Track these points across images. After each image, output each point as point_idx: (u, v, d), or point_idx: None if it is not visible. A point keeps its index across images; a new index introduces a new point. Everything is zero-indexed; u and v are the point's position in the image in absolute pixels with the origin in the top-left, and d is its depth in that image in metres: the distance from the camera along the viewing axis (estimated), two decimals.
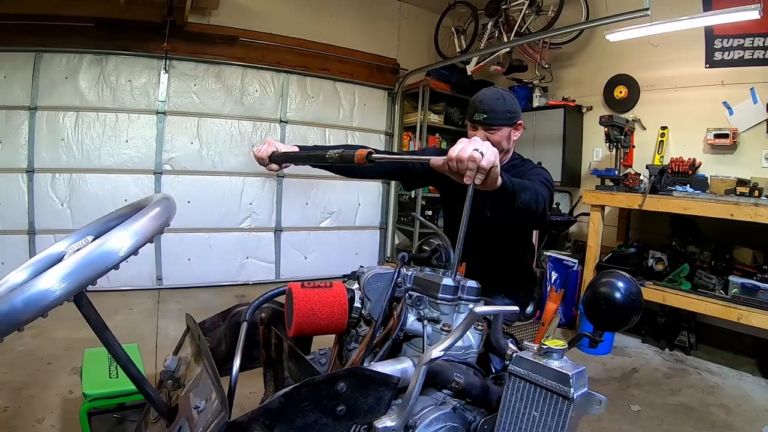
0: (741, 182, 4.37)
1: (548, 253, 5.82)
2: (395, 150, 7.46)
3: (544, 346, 1.21)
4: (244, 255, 6.63)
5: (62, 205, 5.63)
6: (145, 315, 5.17)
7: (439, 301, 1.50)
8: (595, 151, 6.15)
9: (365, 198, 7.53)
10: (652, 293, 4.66)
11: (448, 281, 1.50)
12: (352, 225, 7.46)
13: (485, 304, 1.61)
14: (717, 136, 4.94)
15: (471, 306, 1.48)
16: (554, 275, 5.54)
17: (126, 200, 5.68)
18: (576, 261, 5.46)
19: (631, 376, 4.29)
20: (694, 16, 4.53)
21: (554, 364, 1.19)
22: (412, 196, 7.37)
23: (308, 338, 1.90)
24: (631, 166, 5.51)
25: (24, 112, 5.47)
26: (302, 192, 7.00)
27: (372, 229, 7.71)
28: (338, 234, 7.34)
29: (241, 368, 1.62)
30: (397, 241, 7.78)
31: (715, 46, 5.01)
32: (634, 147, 5.61)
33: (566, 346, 1.22)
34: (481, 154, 1.40)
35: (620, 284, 1.50)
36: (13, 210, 5.45)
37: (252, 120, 6.59)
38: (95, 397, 2.51)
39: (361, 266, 1.68)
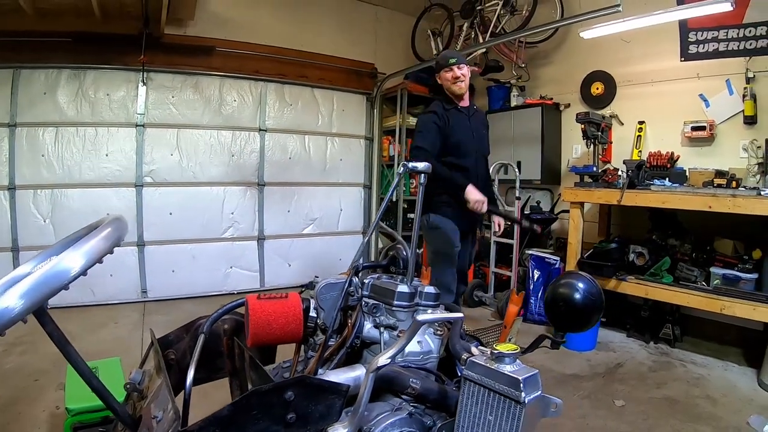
0: (719, 174, 4.32)
1: (530, 252, 5.76)
2: (375, 153, 7.56)
3: (495, 351, 1.15)
4: (228, 264, 6.55)
5: (45, 221, 5.56)
6: (131, 328, 5.08)
7: (394, 308, 1.51)
8: (574, 148, 6.11)
9: (347, 203, 7.47)
10: (634, 287, 4.64)
11: (402, 288, 1.52)
12: (335, 231, 7.39)
13: (447, 309, 1.60)
14: (694, 128, 4.91)
15: (429, 311, 1.48)
16: (537, 273, 5.48)
17: (108, 214, 5.50)
18: (558, 258, 5.40)
19: (615, 371, 4.22)
20: (666, 10, 4.50)
21: (506, 368, 1.15)
22: (394, 199, 7.24)
23: (272, 348, 1.91)
24: (609, 162, 5.49)
25: (4, 129, 5.43)
26: (284, 200, 6.94)
27: (355, 234, 7.63)
28: (321, 240, 7.27)
29: (208, 378, 1.75)
30: (380, 245, 7.68)
31: (689, 39, 4.98)
32: (612, 143, 5.58)
33: (518, 350, 1.17)
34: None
35: (580, 285, 1.46)
36: None
37: (231, 129, 6.54)
38: (78, 411, 2.47)
39: (316, 276, 1.67)
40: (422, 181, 1.67)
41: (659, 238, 4.86)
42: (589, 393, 3.78)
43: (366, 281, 1.60)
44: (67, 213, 5.61)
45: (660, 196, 4.43)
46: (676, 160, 4.96)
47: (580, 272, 1.52)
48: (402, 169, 1.71)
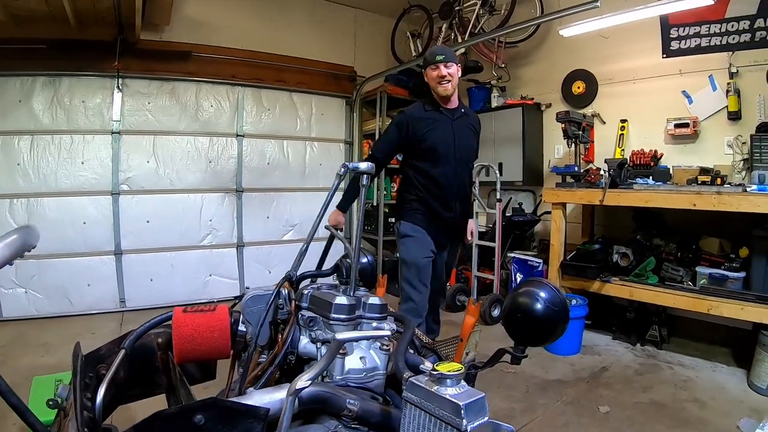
0: (703, 171, 4.23)
1: (513, 255, 5.61)
2: (355, 157, 7.41)
3: (435, 372, 0.96)
4: (207, 272, 6.34)
5: None
6: (108, 338, 4.78)
7: (332, 322, 1.32)
8: (556, 148, 5.96)
9: (328, 209, 7.21)
10: (618, 289, 4.52)
11: (341, 300, 1.35)
12: (316, 236, 7.11)
13: (398, 320, 1.44)
14: (677, 125, 4.79)
15: (374, 325, 1.34)
16: (519, 276, 5.32)
17: (85, 223, 5.63)
18: (541, 261, 5.26)
19: (600, 376, 4.04)
20: (646, 5, 4.38)
21: (447, 391, 0.96)
22: (374, 203, 7.08)
23: (211, 363, 1.72)
24: (592, 162, 5.35)
25: None
26: (263, 206, 6.77)
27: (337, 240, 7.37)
28: (300, 246, 6.99)
29: (145, 395, 1.60)
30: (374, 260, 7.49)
31: (671, 36, 4.85)
32: (594, 142, 5.44)
33: (461, 370, 0.98)
34: None
35: (541, 294, 1.26)
36: None
37: (208, 135, 6.35)
38: None
39: (247, 287, 1.48)
40: (364, 182, 1.49)
41: (644, 238, 4.72)
42: (572, 399, 3.61)
43: (305, 292, 1.43)
44: (43, 222, 5.40)
45: (643, 195, 4.30)
46: (660, 158, 4.83)
47: (542, 280, 1.34)
48: (342, 170, 1.54)
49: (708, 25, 4.59)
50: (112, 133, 5.79)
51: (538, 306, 1.23)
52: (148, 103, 6.00)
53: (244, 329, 1.35)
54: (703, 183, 4.09)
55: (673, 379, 3.98)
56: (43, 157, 5.49)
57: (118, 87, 5.74)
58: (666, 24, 4.85)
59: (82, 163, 5.66)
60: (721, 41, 4.54)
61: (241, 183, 6.57)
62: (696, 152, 4.76)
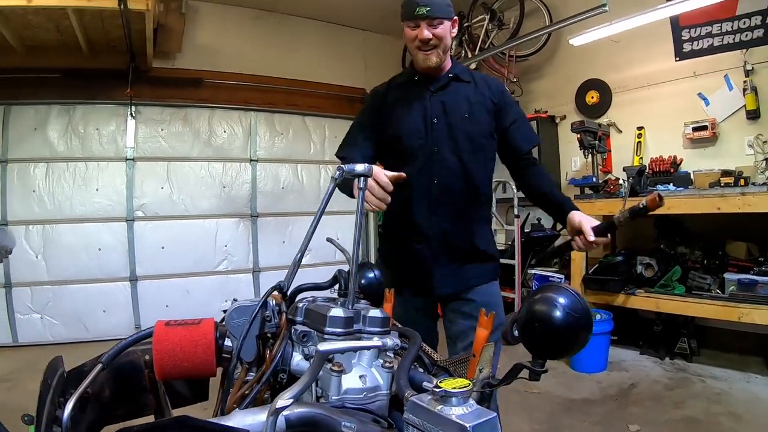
0: (725, 173, 4.00)
1: (533, 271, 5.40)
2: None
3: (438, 389, 0.78)
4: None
5: (37, 257, 5.38)
6: None
7: (326, 336, 1.13)
8: (573, 160, 5.76)
9: (344, 233, 7.03)
10: (644, 301, 4.29)
11: (336, 312, 1.14)
12: (332, 260, 6.89)
13: (403, 336, 1.26)
14: (695, 129, 4.59)
15: (373, 340, 1.10)
16: None
17: (100, 249, 5.58)
18: (562, 276, 5.06)
19: (629, 393, 3.80)
20: (655, 8, 4.27)
21: (453, 411, 0.77)
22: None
23: (202, 382, 1.56)
24: (610, 172, 5.16)
25: None
26: (278, 231, 6.63)
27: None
28: (318, 270, 6.72)
29: (133, 415, 1.41)
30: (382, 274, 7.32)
31: (683, 38, 4.68)
32: (611, 152, 5.26)
33: (469, 386, 0.79)
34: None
35: (560, 300, 1.06)
36: None
37: (222, 161, 6.29)
38: None
39: (234, 299, 1.31)
40: (361, 185, 1.29)
41: (667, 247, 4.52)
42: (600, 419, 3.38)
43: (300, 305, 1.27)
44: (59, 249, 5.44)
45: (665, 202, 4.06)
46: (680, 163, 4.62)
47: (561, 285, 1.14)
48: (338, 173, 1.33)
49: (719, 24, 4.43)
50: (126, 159, 5.77)
51: (557, 313, 1.04)
52: (162, 129, 5.97)
53: (231, 344, 1.19)
54: (726, 185, 3.88)
55: (706, 392, 3.73)
56: (59, 184, 5.49)
57: (131, 114, 5.73)
58: (677, 26, 4.70)
59: (97, 190, 5.65)
60: (734, 39, 4.37)
61: (255, 208, 6.47)
62: (716, 155, 4.56)
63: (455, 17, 2.19)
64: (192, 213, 6.07)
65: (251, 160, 6.45)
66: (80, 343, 5.27)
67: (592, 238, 1.96)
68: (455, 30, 2.22)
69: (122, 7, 4.26)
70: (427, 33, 2.08)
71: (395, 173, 1.69)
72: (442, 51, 2.14)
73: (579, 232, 2.00)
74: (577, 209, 2.10)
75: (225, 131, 6.33)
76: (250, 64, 6.38)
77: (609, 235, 2.00)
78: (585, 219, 2.02)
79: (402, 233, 2.25)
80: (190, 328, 1.16)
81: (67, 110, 5.54)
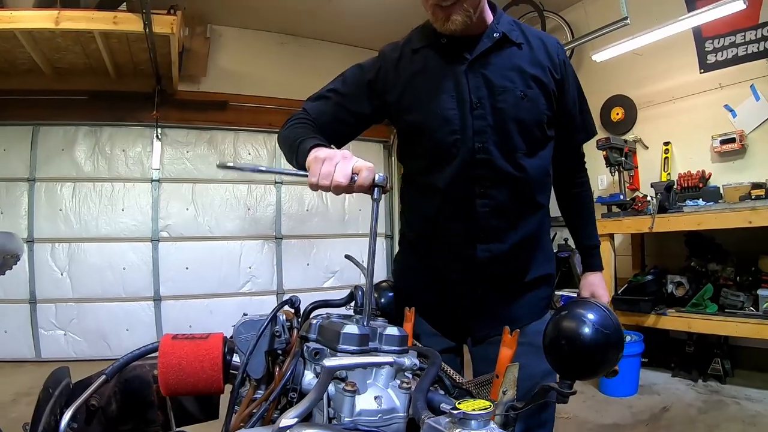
0: (756, 186, 3.86)
1: (560, 293, 5.26)
2: (395, 202, 7.13)
3: (456, 411, 0.69)
4: None
5: (62, 275, 5.44)
6: None
7: (339, 354, 1.05)
8: (599, 179, 5.62)
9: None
10: (675, 321, 4.13)
11: (351, 329, 1.07)
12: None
13: (422, 356, 1.19)
14: (723, 142, 4.44)
15: (389, 359, 1.02)
16: None
17: (124, 268, 5.61)
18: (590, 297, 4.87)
19: (661, 417, 3.63)
20: (677, 19, 4.20)
21: None
22: None
23: (212, 399, 1.51)
24: (638, 189, 5.04)
25: (23, 184, 5.46)
26: (302, 253, 6.57)
27: None
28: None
29: (140, 431, 1.44)
30: None
31: (706, 49, 4.60)
32: (637, 168, 5.13)
33: (490, 407, 0.70)
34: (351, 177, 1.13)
35: (589, 316, 0.98)
36: (14, 279, 5.20)
37: (246, 183, 6.28)
38: None
39: (244, 314, 1.24)
40: (375, 196, 1.17)
41: (698, 265, 4.34)
42: None
43: (313, 322, 1.19)
44: (84, 267, 5.50)
45: (694, 218, 3.99)
46: (708, 178, 4.49)
47: (589, 300, 1.07)
48: (376, 192, 1.19)
49: (743, 33, 4.34)
50: (152, 181, 5.82)
51: (586, 330, 0.95)
52: (187, 151, 6.02)
53: (239, 360, 1.14)
54: (757, 198, 3.74)
55: (741, 415, 3.55)
56: (85, 204, 5.57)
57: (157, 136, 5.80)
58: (700, 37, 4.62)
59: (123, 210, 5.70)
60: (758, 48, 4.28)
61: (280, 230, 6.44)
62: (745, 167, 4.41)
63: None
64: (216, 234, 6.07)
65: (276, 183, 6.45)
66: (103, 360, 5.19)
67: None
68: None
69: (148, 31, 4.36)
70: None
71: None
72: (470, 5, 1.41)
73: None
74: (598, 267, 1.80)
75: (249, 153, 6.34)
76: (273, 88, 6.40)
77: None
78: (587, 294, 1.79)
79: (429, 254, 1.64)
80: (197, 342, 1.12)
81: (94, 131, 5.65)
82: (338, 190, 1.14)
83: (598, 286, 1.76)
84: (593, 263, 1.79)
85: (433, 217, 1.57)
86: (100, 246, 5.57)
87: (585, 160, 1.88)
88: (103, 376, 1.17)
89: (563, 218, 1.87)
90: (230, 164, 1.25)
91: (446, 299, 1.60)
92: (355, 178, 1.11)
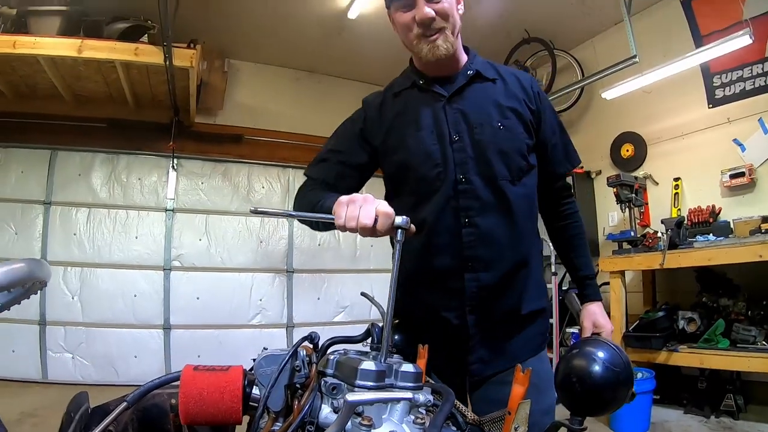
0: (765, 219, 3.85)
1: (572, 330, 5.21)
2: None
3: None
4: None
5: (73, 298, 5.44)
6: None
7: (357, 389, 1.07)
8: (610, 216, 5.63)
9: (379, 290, 6.86)
10: (687, 357, 4.04)
11: (368, 365, 1.09)
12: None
13: (436, 392, 1.19)
14: (733, 176, 4.44)
15: (408, 394, 1.04)
16: None
17: (135, 295, 5.60)
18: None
19: None
20: (684, 56, 4.26)
21: None
22: None
23: (228, 429, 1.51)
24: (648, 225, 5.02)
25: (39, 206, 5.50)
26: (313, 287, 6.55)
27: None
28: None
29: None
30: None
31: (714, 84, 4.64)
32: (648, 204, 5.13)
33: None
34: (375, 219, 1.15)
35: (599, 354, 1.02)
36: (25, 300, 5.12)
37: (259, 216, 6.30)
38: None
39: (265, 347, 1.26)
40: (398, 237, 1.20)
41: (710, 300, 4.29)
42: None
43: (331, 358, 1.22)
44: (95, 292, 5.50)
45: (705, 253, 3.94)
46: (719, 213, 4.45)
47: (599, 338, 1.19)
48: (399, 234, 1.22)
49: (750, 67, 4.38)
50: (166, 210, 5.87)
51: (596, 368, 1.00)
52: (202, 183, 6.08)
53: (258, 393, 1.16)
54: (767, 231, 3.72)
55: None
56: (99, 230, 5.60)
57: (173, 167, 5.88)
58: (707, 73, 4.66)
59: (136, 238, 5.74)
60: (765, 81, 4.31)
61: (291, 264, 6.44)
62: (755, 201, 4.39)
63: None
64: (228, 266, 6.08)
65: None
66: (109, 386, 5.21)
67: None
68: (461, 7, 1.64)
69: (168, 63, 4.47)
70: (427, 10, 1.51)
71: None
72: (451, 32, 1.56)
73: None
74: (596, 296, 1.78)
75: (263, 187, 6.41)
76: (288, 123, 6.52)
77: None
78: (589, 324, 1.75)
79: (419, 291, 1.63)
80: (218, 374, 1.14)
81: (111, 159, 5.73)
82: (364, 231, 1.18)
83: (599, 315, 1.76)
84: (591, 293, 1.79)
85: (420, 252, 1.60)
86: (112, 272, 5.59)
87: (573, 191, 1.92)
88: (125, 403, 1.18)
89: (556, 251, 1.89)
90: (262, 209, 1.29)
91: (441, 337, 1.56)
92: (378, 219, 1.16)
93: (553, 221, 1.85)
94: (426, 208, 1.59)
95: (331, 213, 1.26)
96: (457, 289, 1.56)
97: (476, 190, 1.56)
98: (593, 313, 1.75)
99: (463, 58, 1.68)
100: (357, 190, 1.62)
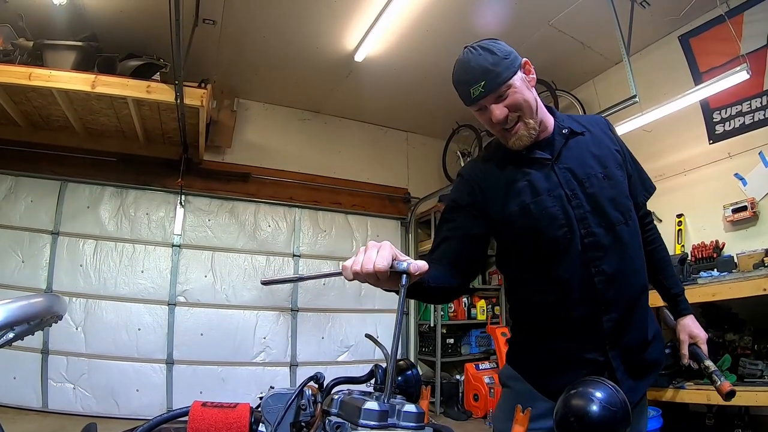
0: None
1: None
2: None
3: None
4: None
5: (77, 329, 5.43)
6: None
7: (360, 429, 1.11)
8: None
9: (384, 330, 6.93)
10: (694, 395, 3.97)
11: (371, 405, 1.12)
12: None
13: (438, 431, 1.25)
14: (735, 210, 4.44)
15: None
16: None
17: (139, 329, 5.60)
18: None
19: None
20: (684, 93, 4.28)
21: None
22: (431, 324, 6.77)
23: None
24: None
25: (47, 236, 5.53)
26: (317, 326, 6.54)
27: None
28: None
29: None
30: (420, 372, 7.07)
31: (714, 120, 4.69)
32: None
33: None
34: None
35: (597, 394, 1.06)
36: None
37: (265, 254, 6.39)
38: None
39: (271, 386, 1.31)
40: (403, 282, 1.24)
41: (715, 336, 4.21)
42: None
43: (335, 397, 1.25)
44: (99, 323, 5.49)
45: (709, 289, 3.92)
46: (722, 248, 4.45)
47: (597, 378, 1.17)
48: (404, 279, 1.26)
49: (749, 102, 4.44)
50: (173, 246, 5.92)
51: (594, 408, 1.04)
52: (209, 220, 6.16)
53: (265, 430, 1.21)
54: None
55: None
56: (105, 262, 5.63)
57: (180, 203, 5.96)
58: (707, 109, 4.73)
59: (142, 272, 5.76)
60: (764, 115, 4.35)
61: (296, 302, 6.44)
62: (758, 234, 4.38)
63: (522, 60, 1.70)
64: (233, 303, 6.09)
65: (294, 255, 6.53)
66: (110, 418, 5.18)
67: (685, 361, 1.91)
68: (533, 75, 1.72)
69: (179, 102, 4.58)
70: (499, 112, 1.61)
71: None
72: (530, 117, 1.64)
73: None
74: (688, 311, 1.95)
75: (270, 225, 6.48)
76: (296, 162, 6.65)
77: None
78: (685, 337, 1.91)
79: (557, 342, 1.69)
80: (226, 411, 1.18)
81: (119, 193, 5.81)
82: (369, 278, 1.21)
83: (693, 326, 1.91)
84: (683, 308, 1.95)
85: (556, 307, 1.67)
86: (117, 305, 5.59)
87: (653, 217, 2.04)
88: None
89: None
90: (273, 279, 1.37)
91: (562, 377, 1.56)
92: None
93: (646, 248, 1.89)
94: (559, 267, 1.65)
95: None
96: (596, 331, 1.62)
97: (600, 240, 1.64)
98: (687, 326, 1.92)
99: (550, 120, 1.76)
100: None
